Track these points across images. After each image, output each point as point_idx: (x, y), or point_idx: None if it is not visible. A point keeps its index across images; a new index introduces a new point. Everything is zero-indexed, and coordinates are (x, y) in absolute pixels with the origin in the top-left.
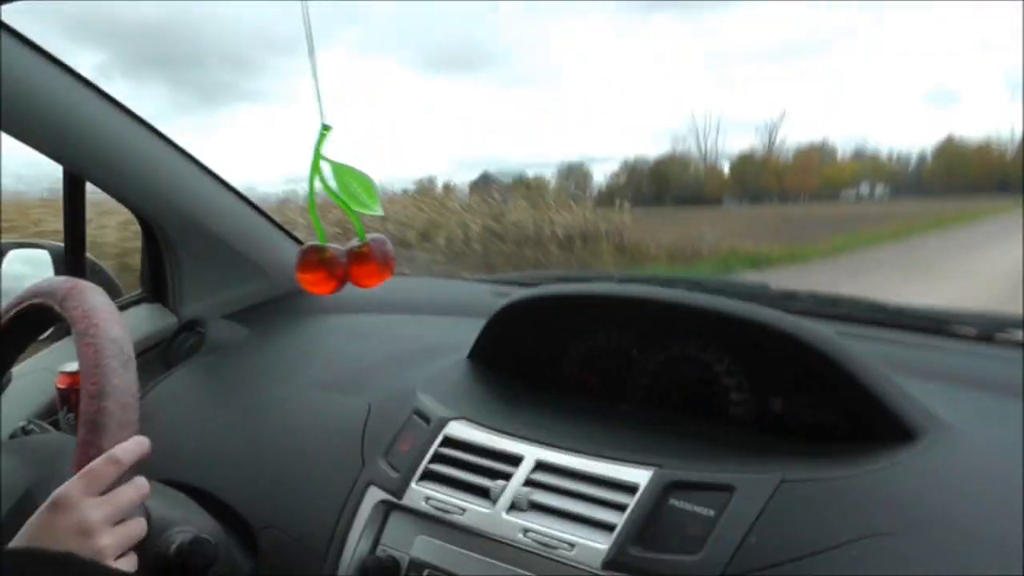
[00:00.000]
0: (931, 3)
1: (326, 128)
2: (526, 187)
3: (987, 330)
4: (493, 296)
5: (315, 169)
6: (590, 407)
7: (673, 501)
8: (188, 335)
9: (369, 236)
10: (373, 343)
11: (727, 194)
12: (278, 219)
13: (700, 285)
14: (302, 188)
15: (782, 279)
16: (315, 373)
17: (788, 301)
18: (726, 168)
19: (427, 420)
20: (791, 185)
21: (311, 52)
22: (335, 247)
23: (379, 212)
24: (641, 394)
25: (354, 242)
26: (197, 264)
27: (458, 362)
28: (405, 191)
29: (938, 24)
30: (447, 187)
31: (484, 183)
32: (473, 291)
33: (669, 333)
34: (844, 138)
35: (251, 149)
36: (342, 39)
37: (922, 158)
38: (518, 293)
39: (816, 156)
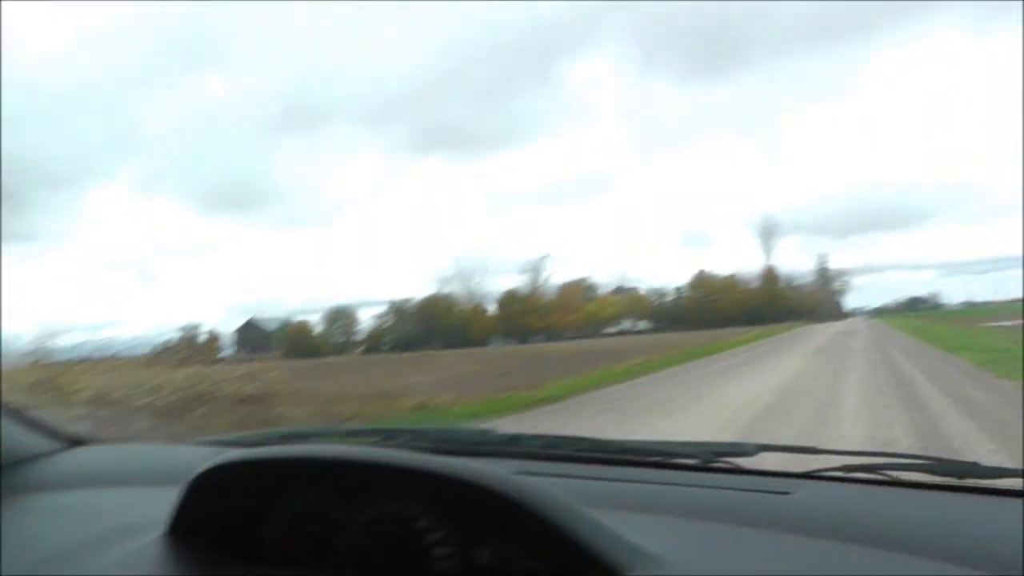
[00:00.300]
0: (686, 153)
1: None
2: (289, 332)
3: (706, 460)
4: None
5: None
6: None
7: None
8: None
9: None
10: (68, 524)
11: (492, 334)
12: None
13: (423, 435)
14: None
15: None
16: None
17: (511, 445)
18: (491, 308)
19: None
20: (554, 323)
21: None
22: None
23: None
24: (344, 558)
25: None
26: None
27: (156, 540)
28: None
29: (693, 173)
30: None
31: (248, 330)
32: (191, 456)
33: (369, 491)
34: (608, 276)
35: (12, 294)
36: (123, 174)
37: (679, 293)
38: (211, 460)
39: (579, 293)
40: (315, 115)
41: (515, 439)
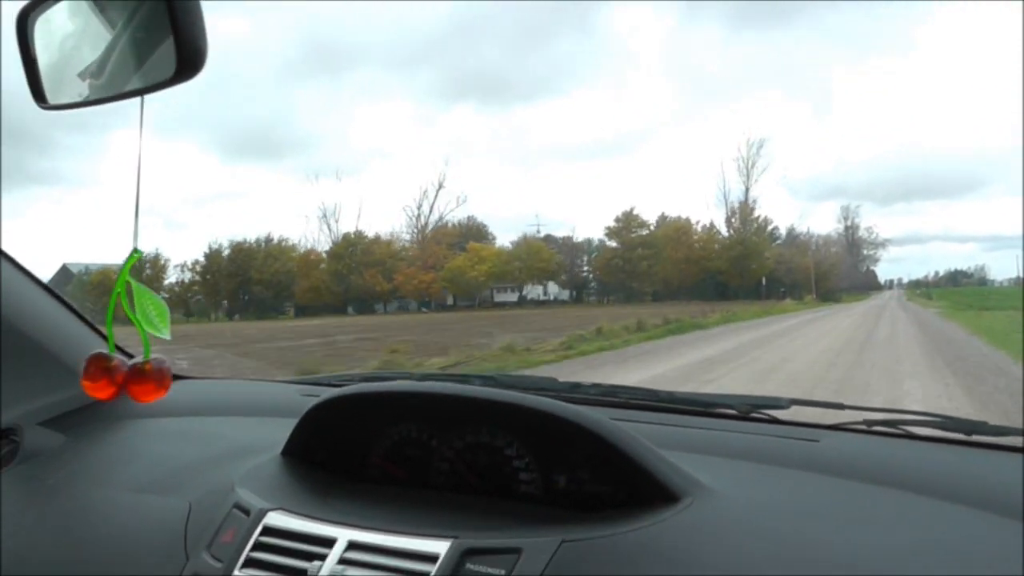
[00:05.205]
0: (729, 107)
1: (137, 252)
2: (89, 284)
3: (744, 410)
4: (301, 396)
5: (120, 287)
6: (396, 492)
7: (469, 565)
8: (2, 444)
9: (152, 356)
10: (189, 445)
11: (327, 297)
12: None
13: (493, 380)
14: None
15: None
16: (133, 476)
17: (573, 391)
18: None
19: (247, 512)
20: (403, 283)
21: (137, 190)
22: (121, 359)
23: (167, 336)
24: (442, 479)
25: (139, 359)
26: (10, 369)
27: (273, 459)
28: None
29: (734, 129)
30: None
31: (61, 279)
32: (282, 392)
33: (464, 423)
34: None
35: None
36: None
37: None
38: (327, 393)
39: (444, 241)
40: (341, 60)
41: (576, 386)
